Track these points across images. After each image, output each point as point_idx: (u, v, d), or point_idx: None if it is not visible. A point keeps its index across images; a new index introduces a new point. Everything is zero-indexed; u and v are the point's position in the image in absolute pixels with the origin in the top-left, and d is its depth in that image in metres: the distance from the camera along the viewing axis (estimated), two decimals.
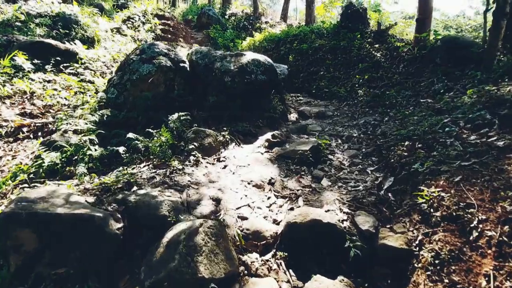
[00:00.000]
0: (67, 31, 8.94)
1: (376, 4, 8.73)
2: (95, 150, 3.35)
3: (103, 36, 9.44)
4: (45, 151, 3.44)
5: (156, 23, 12.31)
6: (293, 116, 5.41)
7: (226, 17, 17.77)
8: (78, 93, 6.12)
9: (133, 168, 3.17)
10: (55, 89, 6.05)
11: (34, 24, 8.67)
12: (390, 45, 7.38)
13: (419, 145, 3.28)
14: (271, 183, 3.04)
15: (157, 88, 4.14)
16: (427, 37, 6.37)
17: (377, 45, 7.52)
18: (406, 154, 3.22)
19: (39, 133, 4.54)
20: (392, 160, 3.24)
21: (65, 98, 5.77)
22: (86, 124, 3.55)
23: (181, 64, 4.46)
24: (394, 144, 3.54)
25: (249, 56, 4.77)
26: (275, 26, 13.77)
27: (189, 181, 2.90)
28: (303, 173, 3.29)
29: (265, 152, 3.73)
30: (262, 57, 4.83)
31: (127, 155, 3.29)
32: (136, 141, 3.40)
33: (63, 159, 3.37)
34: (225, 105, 4.46)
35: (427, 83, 5.51)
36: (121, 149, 3.29)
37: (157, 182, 2.82)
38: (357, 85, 6.57)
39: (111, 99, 4.12)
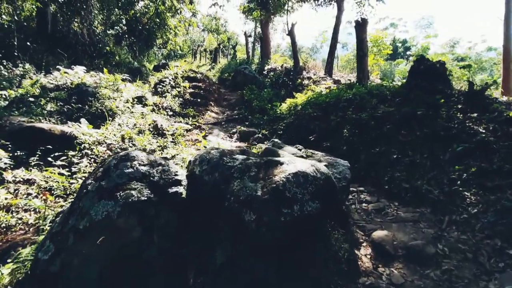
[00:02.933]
0: (80, 106, 7.86)
1: (465, 60, 6.58)
2: None
3: (121, 107, 8.25)
4: None
5: (186, 87, 11.18)
6: (364, 255, 3.17)
7: (265, 72, 16.66)
8: (58, 198, 4.55)
9: None
10: (29, 194, 4.53)
11: (45, 100, 7.70)
12: (496, 115, 5.04)
13: None
14: None
15: (122, 239, 2.26)
16: None
17: (475, 115, 5.20)
18: None
19: None
20: None
21: (35, 210, 4.18)
22: None
23: (171, 190, 2.59)
24: None
25: (288, 166, 2.76)
26: (319, 83, 12.04)
27: None
28: None
29: None
30: (310, 167, 2.79)
31: None
32: None
33: None
34: (244, 266, 2.42)
35: None
36: None
37: None
38: (459, 182, 4.21)
39: (41, 263, 2.29)
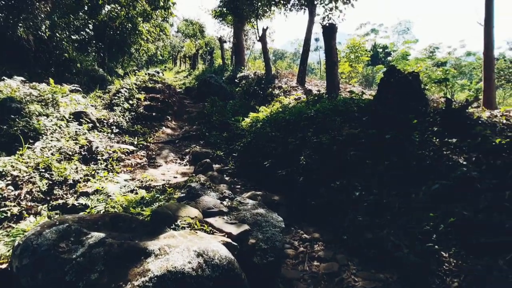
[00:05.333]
0: None
1: (445, 65, 5.69)
2: None
3: (50, 127, 7.02)
4: None
5: (140, 99, 10.02)
6: None
7: (237, 81, 15.64)
8: None
9: None
10: None
11: None
12: (480, 141, 4.11)
13: None
14: None
15: None
16: None
17: (454, 140, 4.27)
18: None
19: None
20: None
21: None
22: None
23: None
24: None
25: (155, 262, 1.68)
26: (290, 93, 11.07)
27: None
28: None
29: None
30: (193, 259, 1.72)
31: None
32: None
33: None
34: None
35: None
36: None
37: None
38: (434, 236, 3.23)
39: None
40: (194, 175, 5.75)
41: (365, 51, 17.58)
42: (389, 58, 29.43)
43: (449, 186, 3.67)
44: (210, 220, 2.60)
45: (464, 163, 3.87)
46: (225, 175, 6.21)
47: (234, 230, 2.40)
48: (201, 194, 3.17)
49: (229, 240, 2.20)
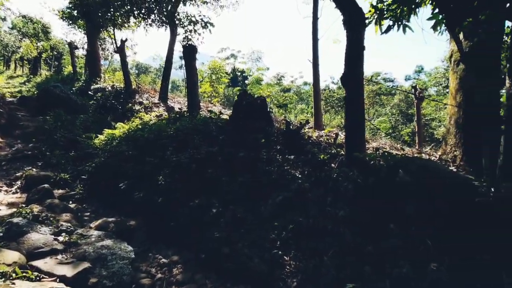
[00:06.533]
0: None
1: (284, 99, 6.62)
2: None
3: None
4: None
5: None
6: None
7: (91, 93, 13.95)
8: None
9: None
10: None
11: None
12: (311, 157, 4.98)
13: None
14: None
15: None
16: (375, 158, 4.08)
17: (292, 157, 5.03)
18: None
19: None
20: None
21: None
22: None
23: None
24: None
25: None
26: (152, 109, 10.67)
27: None
28: None
29: None
30: None
31: None
32: None
33: None
34: None
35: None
36: None
37: None
38: (279, 243, 3.67)
39: None
40: (25, 205, 4.72)
41: (226, 74, 18.86)
42: (247, 82, 32.50)
43: (290, 197, 4.27)
44: (37, 263, 2.17)
45: (300, 176, 4.60)
46: (70, 202, 5.38)
47: (70, 271, 2.08)
48: (28, 231, 2.60)
49: (61, 285, 1.89)
